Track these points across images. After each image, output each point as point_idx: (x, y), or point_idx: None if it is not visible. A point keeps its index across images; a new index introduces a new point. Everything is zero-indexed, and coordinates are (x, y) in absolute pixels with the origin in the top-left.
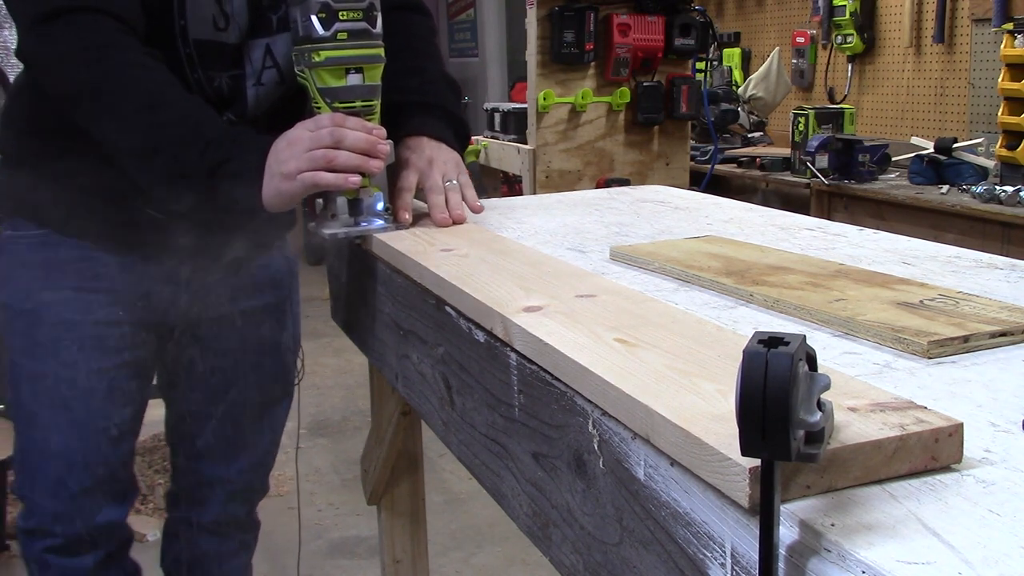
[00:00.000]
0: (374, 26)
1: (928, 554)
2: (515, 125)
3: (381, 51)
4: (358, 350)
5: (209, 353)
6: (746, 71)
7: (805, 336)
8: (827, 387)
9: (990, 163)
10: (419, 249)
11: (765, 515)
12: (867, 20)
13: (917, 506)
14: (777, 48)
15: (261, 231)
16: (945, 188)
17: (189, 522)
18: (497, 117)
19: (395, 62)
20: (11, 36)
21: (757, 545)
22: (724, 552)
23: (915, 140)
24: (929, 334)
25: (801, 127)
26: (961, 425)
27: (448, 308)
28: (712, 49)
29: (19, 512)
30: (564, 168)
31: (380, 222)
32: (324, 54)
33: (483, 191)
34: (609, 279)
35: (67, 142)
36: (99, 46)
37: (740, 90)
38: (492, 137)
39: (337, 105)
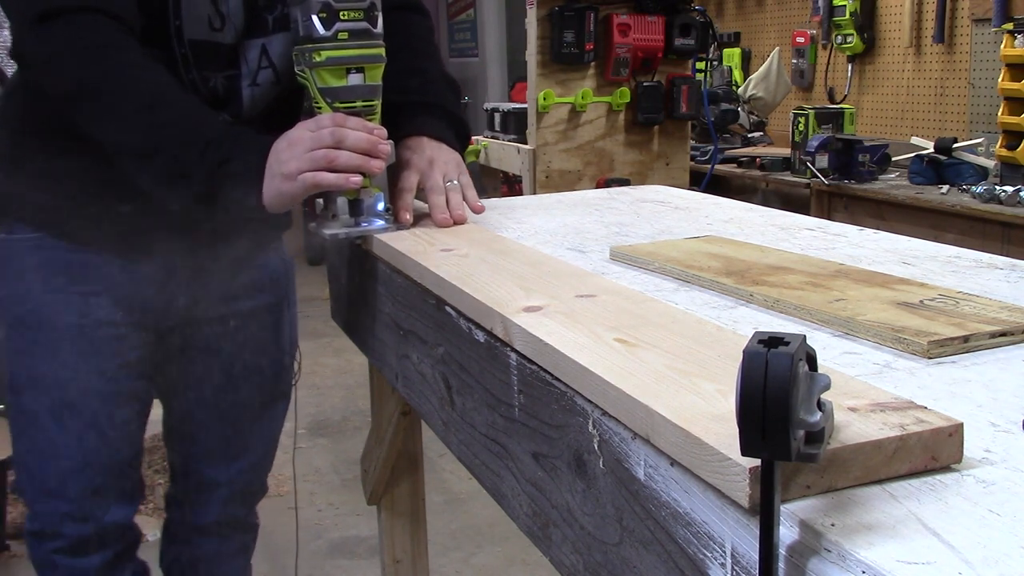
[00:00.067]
0: (375, 26)
1: (928, 554)
2: (515, 125)
3: (382, 51)
4: (358, 350)
5: (205, 354)
6: (746, 71)
7: (805, 336)
8: (827, 387)
9: (990, 163)
10: (419, 249)
11: (765, 515)
12: (867, 20)
13: (917, 506)
14: (777, 48)
15: (258, 232)
16: (945, 188)
17: (188, 524)
18: (497, 117)
19: (395, 62)
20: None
21: (757, 545)
22: (724, 552)
23: (915, 140)
24: (929, 334)
25: (801, 127)
26: (961, 425)
27: (448, 308)
28: (712, 49)
29: (26, 516)
30: (564, 168)
31: (381, 222)
32: (325, 54)
33: (483, 191)
34: (609, 279)
35: (61, 144)
36: (98, 46)
37: (740, 90)
38: (492, 137)
39: (338, 105)
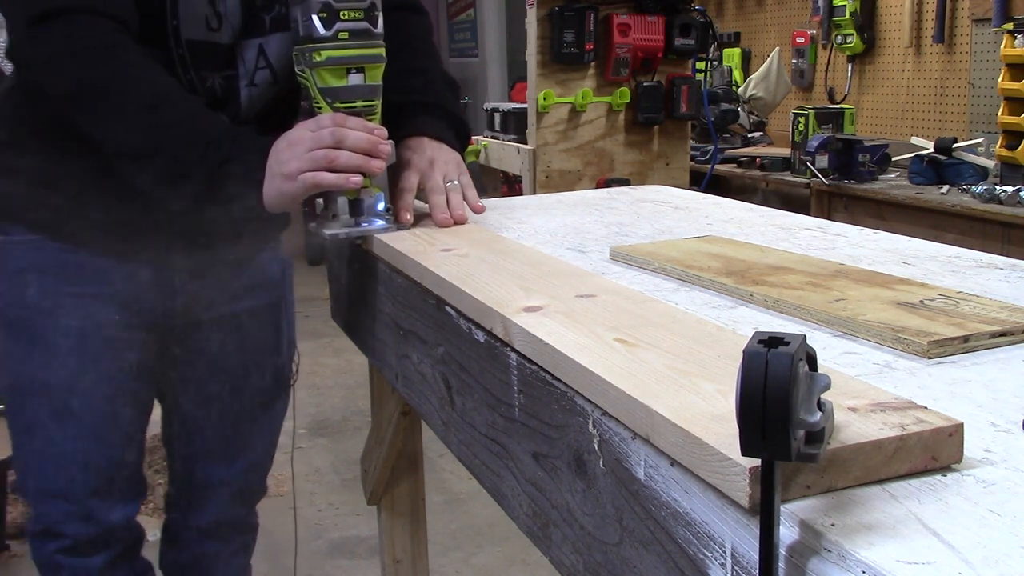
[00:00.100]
0: (375, 26)
1: (928, 554)
2: (515, 125)
3: (382, 51)
4: (358, 350)
5: (204, 355)
6: (746, 71)
7: (805, 336)
8: (827, 387)
9: (990, 163)
10: (419, 249)
11: (765, 515)
12: (867, 20)
13: (917, 506)
14: (777, 48)
15: (256, 232)
16: (945, 188)
17: (187, 525)
18: (497, 117)
19: (395, 62)
20: None
21: (757, 545)
22: (724, 552)
23: (915, 140)
24: (929, 334)
25: (801, 127)
26: (961, 425)
27: (448, 308)
28: (712, 49)
29: (28, 517)
30: (564, 168)
31: (381, 222)
32: (325, 54)
33: (483, 191)
34: (609, 279)
35: (58, 145)
36: (97, 46)
37: (740, 90)
38: (492, 137)
39: (338, 105)
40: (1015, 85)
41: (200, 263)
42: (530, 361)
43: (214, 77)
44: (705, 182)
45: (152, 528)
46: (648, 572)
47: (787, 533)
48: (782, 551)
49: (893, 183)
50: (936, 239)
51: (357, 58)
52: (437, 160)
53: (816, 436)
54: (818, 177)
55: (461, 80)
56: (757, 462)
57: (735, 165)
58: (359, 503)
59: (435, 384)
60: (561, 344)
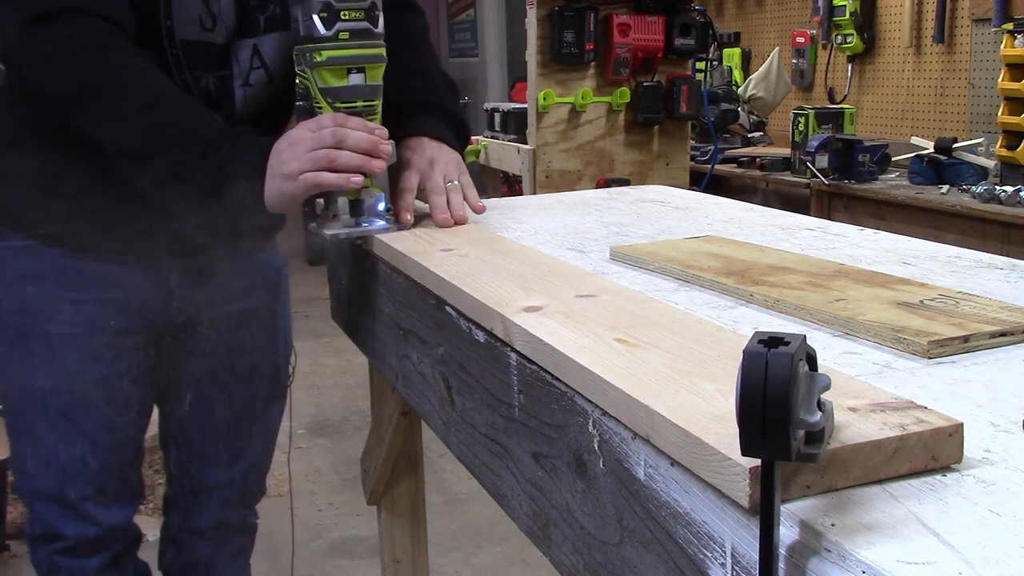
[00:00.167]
0: (376, 26)
1: (928, 554)
2: (515, 125)
3: (383, 51)
4: (358, 350)
5: (200, 357)
6: (746, 71)
7: (805, 336)
8: (827, 387)
9: (990, 163)
10: (419, 249)
11: (765, 515)
12: (867, 20)
13: (917, 506)
14: (777, 48)
15: (252, 232)
16: (945, 188)
17: (186, 527)
18: (497, 117)
19: (394, 62)
20: None
21: (757, 545)
22: (724, 552)
23: (915, 140)
24: (929, 334)
25: (801, 127)
26: (961, 425)
27: (448, 308)
28: (712, 49)
29: (26, 520)
30: (564, 168)
31: (381, 223)
32: (326, 54)
33: (483, 191)
34: (609, 279)
35: (52, 149)
36: (95, 47)
37: (740, 90)
38: (492, 137)
39: (339, 105)
40: (1015, 85)
41: (197, 265)
42: (530, 361)
43: (208, 77)
44: (705, 182)
45: (152, 528)
46: (648, 572)
47: (787, 533)
48: (782, 551)
49: (893, 183)
50: (936, 239)
51: (358, 58)
52: (437, 160)
53: (816, 436)
54: (818, 177)
55: (461, 80)
56: (757, 462)
57: (735, 165)
58: (359, 503)
59: (435, 384)
60: (561, 344)
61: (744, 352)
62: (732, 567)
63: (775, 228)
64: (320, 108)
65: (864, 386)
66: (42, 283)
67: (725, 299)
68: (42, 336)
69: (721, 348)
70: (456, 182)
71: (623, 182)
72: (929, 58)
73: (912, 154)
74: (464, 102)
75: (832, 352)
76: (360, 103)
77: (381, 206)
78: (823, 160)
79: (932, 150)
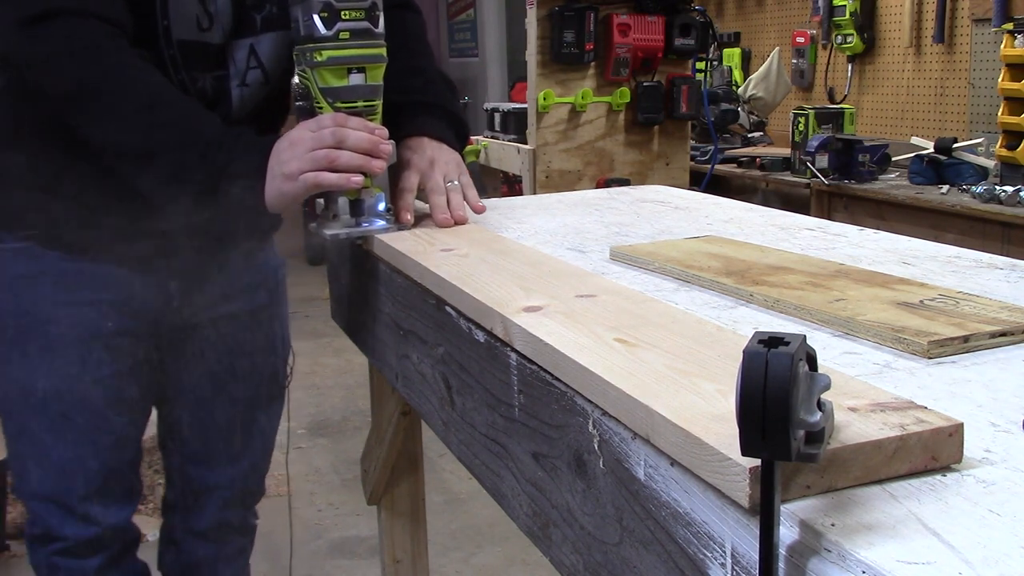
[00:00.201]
0: (376, 25)
1: (928, 554)
2: (515, 125)
3: (383, 51)
4: (358, 350)
5: (197, 358)
6: (746, 71)
7: (805, 336)
8: (827, 387)
9: (990, 163)
10: (419, 249)
11: (765, 515)
12: (867, 20)
13: (917, 506)
14: (777, 48)
15: (250, 232)
16: (945, 188)
17: (185, 528)
18: (497, 117)
19: (394, 61)
20: None
21: (757, 545)
22: (724, 552)
23: (915, 140)
24: (929, 334)
25: (801, 127)
26: (961, 425)
27: (448, 308)
28: (712, 49)
29: (25, 521)
30: (564, 168)
31: (382, 223)
32: (326, 53)
33: (483, 191)
34: (609, 279)
35: (48, 150)
36: (94, 47)
37: (740, 90)
38: (492, 137)
39: (339, 105)
40: (1015, 85)
41: (195, 266)
42: (530, 361)
43: (205, 77)
44: (705, 182)
45: (152, 528)
46: (648, 572)
47: (787, 533)
48: (782, 551)
49: (893, 183)
50: (936, 239)
51: (358, 58)
52: (437, 160)
53: (816, 436)
54: (818, 177)
55: (461, 80)
56: (757, 462)
57: (735, 165)
58: (359, 503)
59: (435, 384)
60: (561, 344)
61: (744, 352)
62: (732, 567)
63: (775, 228)
64: (320, 108)
65: (864, 386)
66: (40, 284)
67: (725, 299)
68: (40, 337)
69: (721, 348)
70: (456, 182)
71: (623, 182)
72: (929, 58)
73: (912, 154)
74: (464, 102)
75: (832, 352)
76: (361, 103)
77: (381, 206)
78: (823, 160)
79: (932, 150)
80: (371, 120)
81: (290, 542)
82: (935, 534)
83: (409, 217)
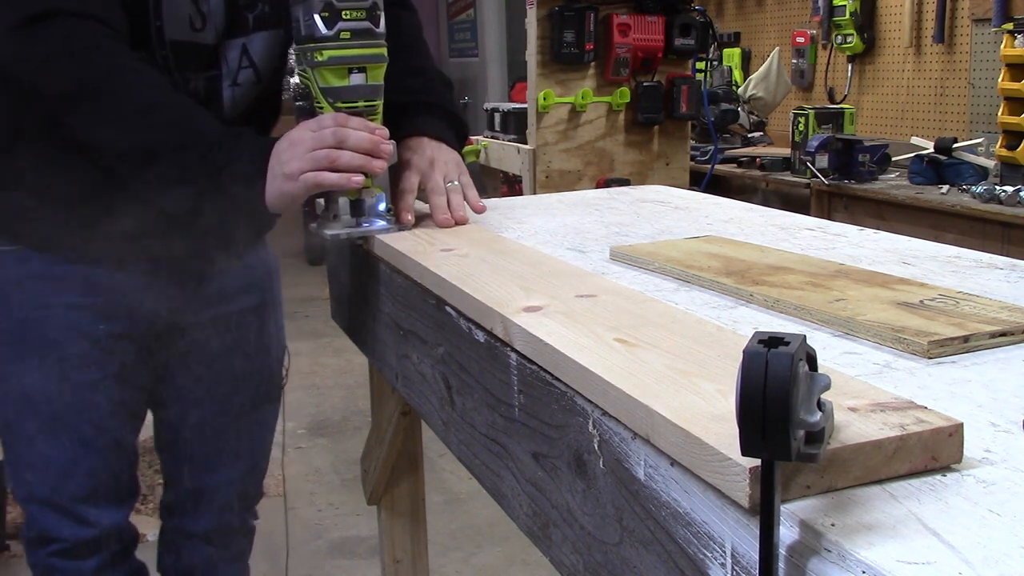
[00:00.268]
0: (377, 25)
1: (928, 554)
2: (515, 125)
3: (384, 51)
4: (358, 350)
5: (192, 360)
6: (746, 71)
7: (805, 336)
8: (827, 387)
9: (990, 163)
10: (419, 249)
11: (765, 515)
12: (867, 20)
13: (917, 506)
14: (777, 48)
15: (246, 233)
16: (945, 188)
17: (184, 531)
18: (497, 117)
19: (393, 61)
20: None
21: (757, 545)
22: (724, 552)
23: (915, 140)
24: (929, 334)
25: (801, 127)
26: (961, 425)
27: (448, 308)
28: (712, 49)
29: (22, 522)
30: (564, 168)
31: (382, 223)
32: (327, 53)
33: (483, 191)
34: (609, 279)
35: (38, 154)
36: (88, 48)
37: (740, 90)
38: (492, 137)
39: (340, 105)
40: (1015, 85)
41: (189, 267)
42: (530, 361)
43: (198, 78)
44: (705, 182)
45: (153, 528)
46: (648, 572)
47: (787, 533)
48: (782, 551)
49: (893, 183)
50: (936, 239)
51: (359, 58)
52: (437, 160)
53: (816, 436)
54: (818, 177)
55: (461, 80)
56: (757, 462)
57: (735, 165)
58: (359, 503)
59: (435, 384)
60: (561, 344)
61: (744, 352)
62: (732, 567)
63: (775, 228)
64: (321, 108)
65: (864, 386)
66: (31, 288)
67: (725, 299)
68: (32, 341)
69: (721, 348)
70: (456, 182)
71: (623, 182)
72: (929, 58)
73: (912, 154)
74: (464, 102)
75: (832, 352)
76: (361, 103)
77: (382, 206)
78: (823, 160)
79: (932, 150)
80: (372, 120)
81: (286, 542)
82: (935, 534)
83: (410, 217)
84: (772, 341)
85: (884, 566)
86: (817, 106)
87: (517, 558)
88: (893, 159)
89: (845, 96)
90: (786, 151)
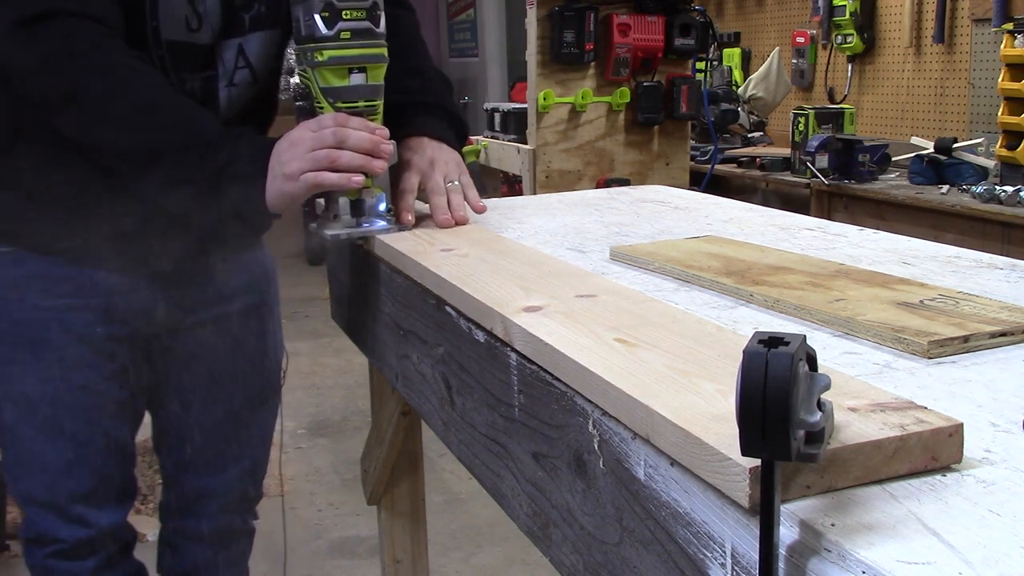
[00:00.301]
0: (377, 25)
1: (928, 554)
2: (515, 125)
3: (384, 51)
4: (358, 350)
5: (189, 361)
6: (746, 71)
7: (805, 336)
8: (827, 387)
9: (990, 163)
10: (419, 249)
11: (765, 515)
12: (867, 20)
13: (917, 506)
14: (777, 48)
15: (243, 234)
16: (945, 188)
17: (183, 533)
18: (497, 117)
19: (393, 61)
20: None
21: (757, 545)
22: (724, 552)
23: (915, 140)
24: (929, 334)
25: (801, 127)
26: (961, 425)
27: (448, 308)
28: (712, 49)
29: (20, 523)
30: (564, 168)
31: (382, 223)
32: (327, 53)
33: (483, 191)
34: (609, 279)
35: (33, 155)
36: (88, 49)
37: (740, 90)
38: (492, 137)
39: (340, 105)
40: (1015, 85)
41: (185, 268)
42: (530, 361)
43: (194, 78)
44: (705, 182)
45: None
46: (648, 572)
47: (787, 533)
48: (782, 551)
49: (893, 183)
50: (936, 239)
51: (359, 58)
52: (438, 160)
53: (816, 436)
54: (818, 177)
55: (461, 80)
56: (757, 462)
57: (735, 165)
58: (359, 503)
59: (435, 384)
60: (561, 344)
61: (744, 352)
62: (732, 567)
63: (775, 228)
64: (321, 108)
65: (864, 386)
66: (27, 290)
67: (725, 299)
68: (29, 342)
69: (721, 348)
70: (456, 182)
71: (623, 182)
72: (929, 58)
73: (912, 154)
74: (464, 102)
75: (832, 352)
76: (362, 103)
77: (382, 206)
78: (823, 160)
79: (932, 150)
80: (372, 120)
81: (284, 542)
82: (935, 534)
83: (410, 218)
84: (772, 341)
85: (884, 566)
86: (817, 106)
87: (517, 558)
88: (893, 159)
89: (845, 96)
90: (786, 151)
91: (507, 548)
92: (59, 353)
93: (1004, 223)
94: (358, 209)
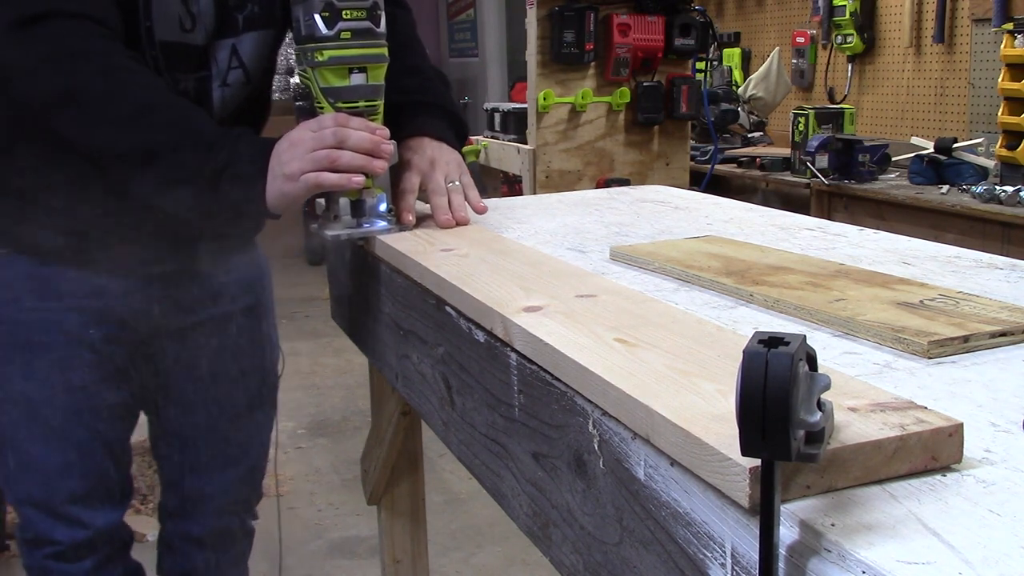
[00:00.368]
0: (378, 25)
1: (928, 554)
2: (515, 125)
3: (385, 51)
4: (358, 350)
5: (184, 363)
6: (746, 71)
7: (805, 336)
8: (827, 387)
9: (990, 163)
10: (419, 249)
11: (765, 515)
12: (867, 20)
13: (917, 506)
14: (777, 48)
15: (239, 234)
16: (945, 188)
17: (182, 535)
18: (497, 117)
19: (392, 61)
20: None
21: (757, 545)
22: (724, 552)
23: (915, 140)
24: (929, 334)
25: (801, 127)
26: (961, 425)
27: (448, 308)
28: (712, 49)
29: (17, 524)
30: (564, 168)
31: (383, 223)
32: (327, 53)
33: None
34: (609, 279)
35: (26, 156)
36: (85, 50)
37: (740, 90)
38: (492, 137)
39: (340, 105)
40: (1015, 85)
41: (179, 270)
42: (530, 361)
43: (187, 78)
44: (705, 182)
45: (153, 528)
46: (648, 572)
47: (787, 533)
48: (782, 551)
49: (893, 183)
50: (936, 239)
51: (360, 58)
52: (438, 160)
53: (816, 436)
54: (818, 177)
55: (461, 80)
56: (757, 462)
57: (735, 165)
58: (359, 503)
59: (435, 384)
60: (561, 344)
61: (744, 352)
62: (732, 567)
63: (775, 228)
64: (321, 108)
65: (864, 386)
66: (20, 292)
67: (725, 299)
68: (24, 344)
69: (721, 348)
70: (457, 182)
71: (623, 182)
72: (929, 58)
73: (912, 154)
74: (464, 102)
75: (832, 352)
76: (362, 103)
77: (383, 207)
78: (823, 160)
79: (932, 150)
80: (372, 120)
81: (279, 542)
82: (935, 534)
83: (411, 218)
84: (772, 341)
85: (884, 566)
86: (817, 106)
87: (517, 558)
88: (893, 159)
89: (845, 96)
90: (786, 151)
91: (507, 548)
92: (54, 355)
93: (1004, 223)
94: (358, 209)
